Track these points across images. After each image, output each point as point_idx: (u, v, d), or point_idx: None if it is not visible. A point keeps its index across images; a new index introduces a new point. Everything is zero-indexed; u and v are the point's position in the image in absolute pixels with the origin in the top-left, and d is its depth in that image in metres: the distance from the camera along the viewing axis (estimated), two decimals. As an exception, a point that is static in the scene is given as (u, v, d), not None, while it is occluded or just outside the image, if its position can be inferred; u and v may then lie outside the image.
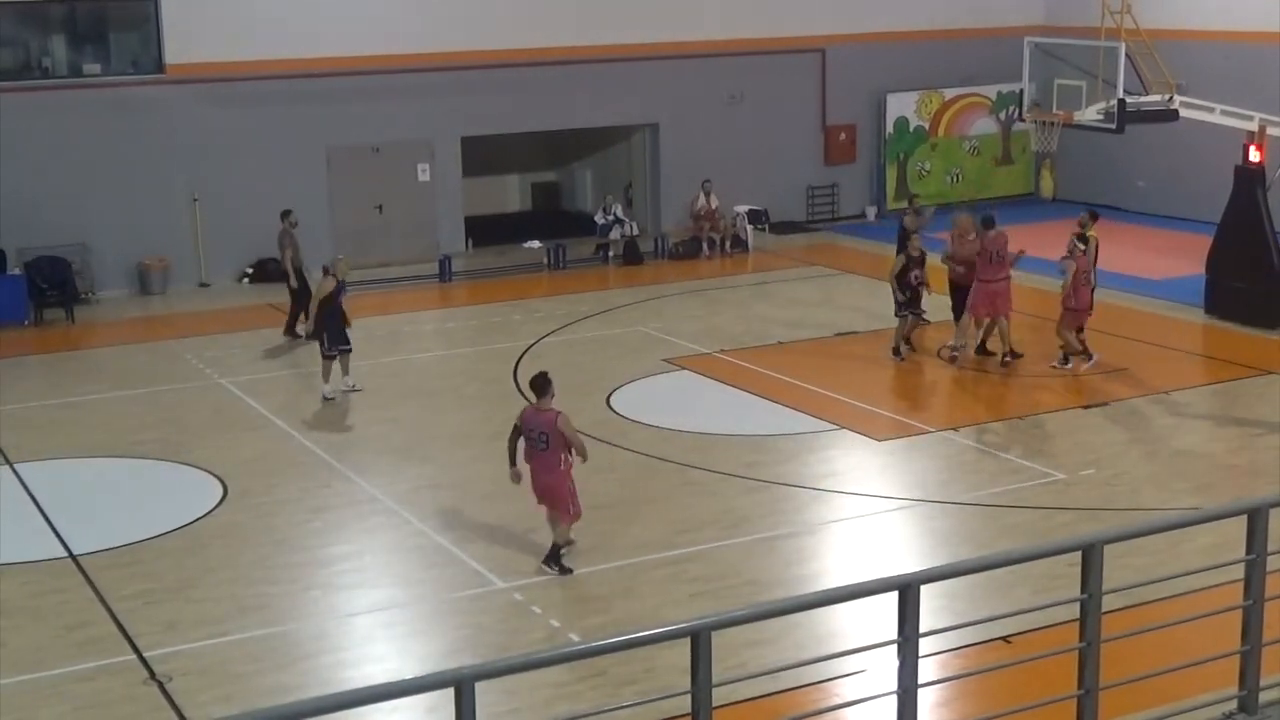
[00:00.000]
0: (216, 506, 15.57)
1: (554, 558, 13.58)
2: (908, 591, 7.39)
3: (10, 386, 20.19)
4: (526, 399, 19.08)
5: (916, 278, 20.31)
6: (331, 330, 19.11)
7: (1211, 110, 23.80)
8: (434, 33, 27.07)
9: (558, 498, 13.52)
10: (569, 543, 13.74)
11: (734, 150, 29.88)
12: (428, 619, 12.96)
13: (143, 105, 25.50)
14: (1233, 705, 8.64)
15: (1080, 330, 19.91)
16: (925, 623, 7.50)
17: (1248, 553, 8.37)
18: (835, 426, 17.85)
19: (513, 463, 13.60)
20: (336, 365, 19.30)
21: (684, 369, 20.55)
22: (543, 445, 13.30)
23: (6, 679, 11.77)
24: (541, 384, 13.40)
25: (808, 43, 30.43)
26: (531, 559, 13.95)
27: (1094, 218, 21.04)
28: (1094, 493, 15.55)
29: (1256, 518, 8.33)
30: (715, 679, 6.94)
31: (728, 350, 21.27)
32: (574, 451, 13.35)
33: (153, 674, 11.79)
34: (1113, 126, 24.15)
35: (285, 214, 22.60)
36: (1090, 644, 7.96)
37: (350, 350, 19.38)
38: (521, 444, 13.55)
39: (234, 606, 13.08)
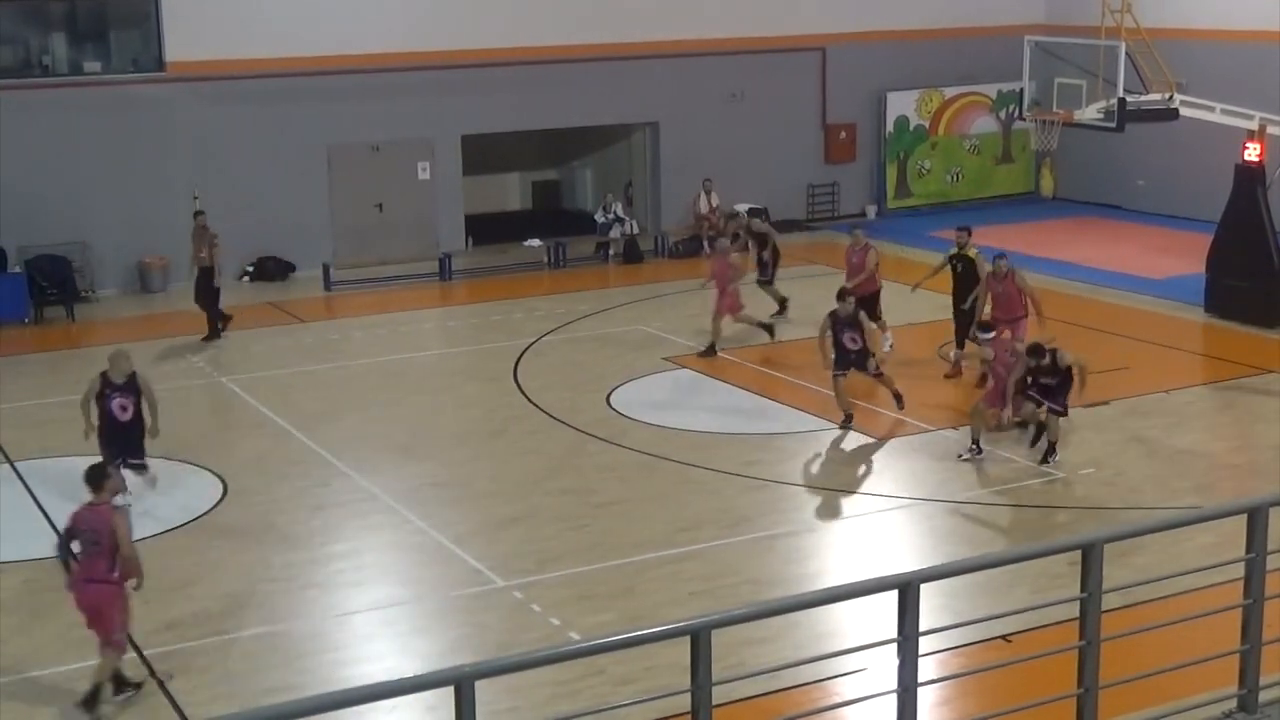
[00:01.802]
0: (216, 504, 15.58)
1: (91, 701, 11.12)
2: (907, 590, 7.39)
3: (11, 384, 20.20)
4: (527, 398, 19.22)
5: (853, 340, 17.30)
6: (104, 439, 15.02)
7: (1212, 109, 23.80)
8: (434, 31, 27.06)
9: (103, 615, 11.19)
10: (121, 682, 11.36)
11: (734, 149, 29.88)
12: (427, 617, 12.97)
13: (143, 103, 25.50)
14: (1232, 704, 8.64)
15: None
16: (925, 621, 7.50)
17: (1247, 552, 8.37)
18: (835, 425, 17.84)
19: (68, 571, 11.47)
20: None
21: (684, 367, 20.55)
22: (95, 549, 11.14)
23: (6, 677, 11.77)
24: (95, 477, 11.39)
25: (808, 41, 30.42)
26: (532, 558, 13.96)
27: (968, 233, 19.46)
28: (1094, 492, 15.55)
29: (1256, 517, 8.33)
30: (715, 678, 6.95)
31: (728, 349, 21.26)
32: (121, 561, 11.10)
33: (152, 672, 11.79)
34: (1113, 125, 24.14)
35: (197, 214, 22.53)
36: (1090, 643, 7.96)
37: (140, 468, 15.19)
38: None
39: (234, 605, 13.08)
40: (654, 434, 17.63)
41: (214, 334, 22.36)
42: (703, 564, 13.80)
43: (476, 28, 27.38)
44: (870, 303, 19.98)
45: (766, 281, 23.01)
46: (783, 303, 22.91)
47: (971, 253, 19.41)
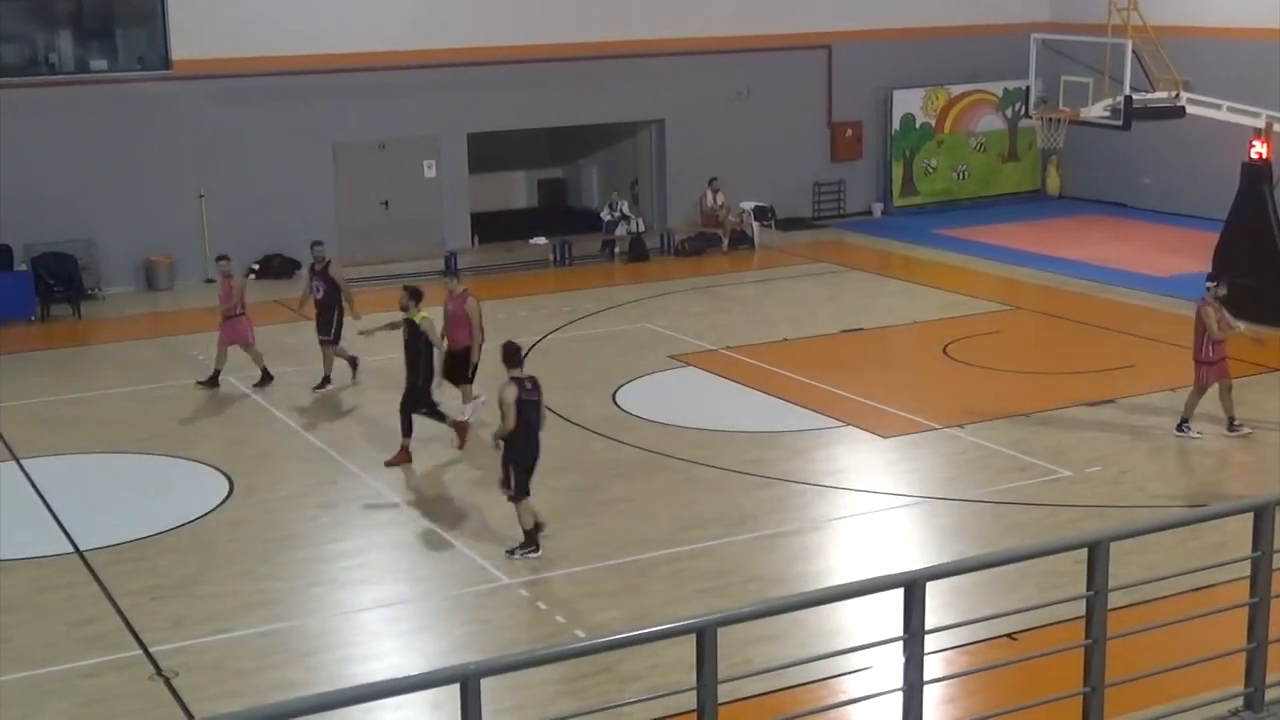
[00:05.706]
0: (222, 502, 15.58)
1: None
2: (913, 588, 7.39)
3: (17, 382, 20.22)
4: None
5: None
6: None
7: (1218, 107, 23.78)
8: (440, 29, 27.06)
9: None
10: None
11: (740, 147, 29.87)
12: (433, 615, 12.97)
13: (149, 101, 25.52)
14: (1238, 703, 8.64)
15: None
16: (931, 619, 7.50)
17: (1253, 550, 8.37)
18: (841, 423, 17.84)
19: None
20: None
21: (689, 365, 20.54)
22: None
23: (13, 674, 11.79)
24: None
25: (814, 39, 30.40)
26: (536, 556, 13.96)
27: (416, 296, 16.73)
28: (1100, 490, 15.54)
29: (1262, 515, 8.33)
30: (720, 675, 6.95)
31: (733, 347, 21.26)
32: None
33: (159, 669, 11.81)
34: (1119, 123, 24.13)
35: None
36: (1096, 641, 7.96)
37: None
38: None
39: (240, 602, 13.09)
40: (659, 432, 17.63)
41: None
42: (708, 562, 13.80)
43: (482, 26, 27.38)
44: (464, 359, 17.81)
45: (330, 341, 19.67)
46: (353, 361, 19.89)
47: (417, 317, 16.68)
